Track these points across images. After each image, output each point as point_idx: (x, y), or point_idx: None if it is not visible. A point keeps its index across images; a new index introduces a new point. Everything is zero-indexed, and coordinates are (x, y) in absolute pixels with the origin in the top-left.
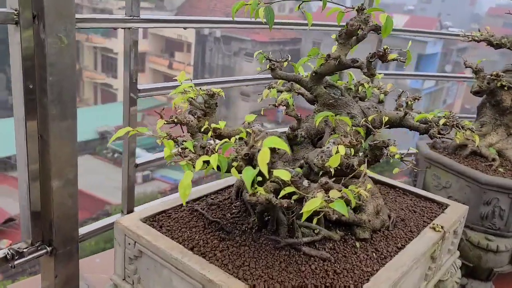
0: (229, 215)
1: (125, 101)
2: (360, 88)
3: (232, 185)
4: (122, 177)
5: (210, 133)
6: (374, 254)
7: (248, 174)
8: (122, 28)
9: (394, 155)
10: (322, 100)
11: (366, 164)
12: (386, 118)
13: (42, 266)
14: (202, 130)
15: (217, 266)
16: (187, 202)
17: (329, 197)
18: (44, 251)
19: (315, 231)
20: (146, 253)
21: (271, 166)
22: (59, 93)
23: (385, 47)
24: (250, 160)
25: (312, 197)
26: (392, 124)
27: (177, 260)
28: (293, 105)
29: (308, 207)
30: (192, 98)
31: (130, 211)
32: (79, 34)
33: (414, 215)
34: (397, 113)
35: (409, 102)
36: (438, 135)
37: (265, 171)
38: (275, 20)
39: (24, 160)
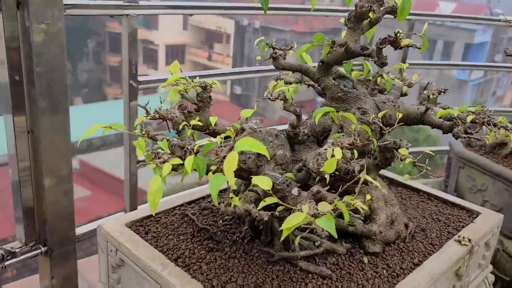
0: (221, 222)
1: (124, 94)
2: (379, 79)
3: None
4: (124, 174)
5: (189, 132)
6: (384, 271)
7: (215, 183)
8: (118, 15)
9: (405, 159)
10: (330, 93)
11: (374, 168)
12: (400, 115)
13: (39, 266)
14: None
15: (200, 281)
16: (180, 206)
17: (318, 210)
18: (39, 251)
19: (316, 243)
20: (128, 262)
21: (256, 170)
22: (49, 85)
23: (396, 31)
24: None
25: (299, 210)
26: (412, 120)
27: (156, 273)
28: (292, 99)
29: (289, 224)
30: (183, 90)
31: (133, 209)
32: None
33: (438, 225)
34: (418, 108)
35: (432, 96)
36: (464, 135)
37: (231, 180)
38: (274, 5)
39: (14, 156)
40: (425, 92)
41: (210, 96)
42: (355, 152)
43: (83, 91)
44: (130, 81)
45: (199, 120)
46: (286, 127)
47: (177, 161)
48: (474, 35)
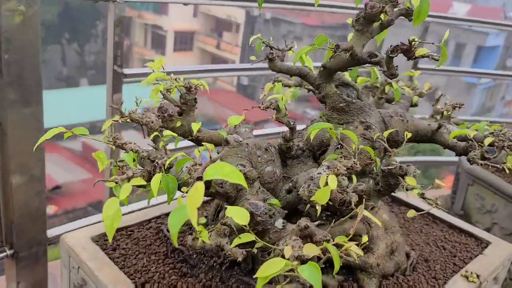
0: None
1: (108, 87)
2: (387, 87)
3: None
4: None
5: (161, 142)
6: None
7: (176, 219)
8: (105, 0)
9: (412, 189)
10: (331, 103)
11: (375, 194)
12: (409, 134)
13: (5, 270)
14: (179, 132)
15: None
16: (156, 217)
17: (301, 253)
18: (3, 254)
19: None
20: (89, 283)
21: (236, 195)
22: (19, 75)
23: (411, 38)
24: (208, 185)
25: (283, 247)
26: (422, 138)
27: None
28: (286, 109)
29: (265, 271)
30: (165, 90)
31: None
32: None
33: (443, 254)
34: (429, 124)
35: (446, 112)
36: (481, 161)
37: (193, 218)
38: None
39: None
40: (438, 106)
41: (195, 99)
42: (354, 177)
43: (90, 72)
44: (113, 73)
45: (181, 125)
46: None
47: (139, 181)
48: (486, 38)
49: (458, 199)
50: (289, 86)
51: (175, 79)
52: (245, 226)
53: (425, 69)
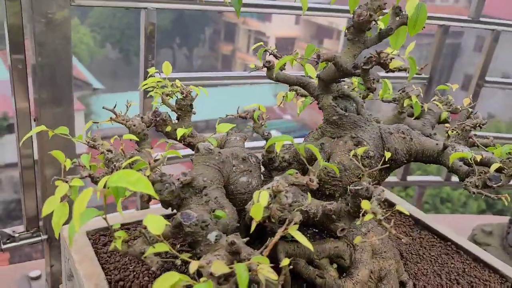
0: (178, 246)
1: (141, 91)
2: (406, 101)
3: None
4: None
5: (148, 148)
6: None
7: (56, 217)
8: (134, 8)
9: (365, 214)
10: (325, 115)
11: (346, 216)
12: (388, 154)
13: (44, 253)
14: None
15: None
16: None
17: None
18: (38, 238)
19: None
20: (74, 275)
21: (180, 203)
22: (51, 77)
23: (379, 50)
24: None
25: (203, 261)
26: (428, 158)
27: None
28: (264, 119)
29: (161, 284)
30: (165, 95)
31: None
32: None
33: None
34: (437, 143)
35: (450, 132)
36: (474, 189)
37: (76, 225)
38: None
39: (17, 141)
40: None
41: (191, 105)
42: (309, 194)
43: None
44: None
45: (175, 130)
46: None
47: (78, 182)
48: None
49: None
50: (305, 96)
51: (172, 85)
52: (159, 236)
53: (490, 81)
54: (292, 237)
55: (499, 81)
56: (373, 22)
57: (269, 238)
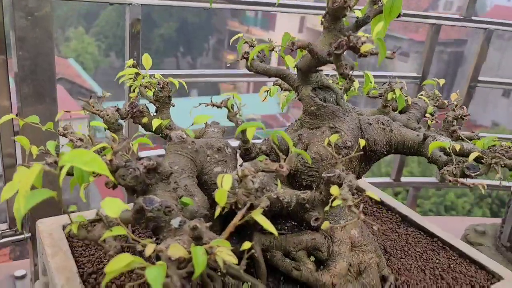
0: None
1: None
2: (390, 94)
3: None
4: None
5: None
6: None
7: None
8: (119, 3)
9: (333, 199)
10: (304, 106)
11: (320, 204)
12: (363, 142)
13: (29, 252)
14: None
15: None
16: None
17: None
18: (21, 236)
19: (245, 285)
20: (47, 269)
21: (145, 189)
22: (33, 71)
23: (349, 33)
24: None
25: (163, 246)
26: (409, 149)
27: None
28: (239, 108)
29: (112, 266)
30: (144, 87)
31: None
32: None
33: (437, 284)
34: (417, 134)
35: (430, 122)
36: (450, 177)
37: (22, 208)
38: None
39: None
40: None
41: (170, 97)
42: (279, 182)
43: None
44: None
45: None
46: None
47: (38, 167)
48: None
49: (506, 229)
50: (290, 91)
51: (149, 76)
52: (116, 218)
53: (483, 81)
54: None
55: (492, 80)
56: (349, 9)
57: (248, 232)
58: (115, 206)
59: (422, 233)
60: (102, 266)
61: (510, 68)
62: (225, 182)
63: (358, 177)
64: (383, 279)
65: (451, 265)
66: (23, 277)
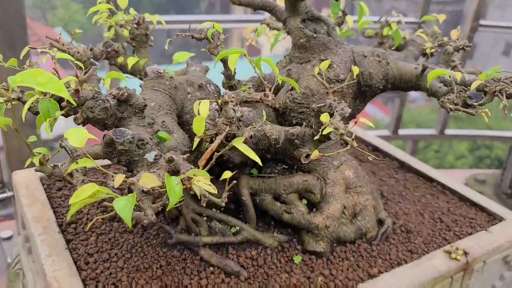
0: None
1: None
2: (385, 30)
3: None
4: None
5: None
6: (318, 279)
7: None
8: None
9: (324, 128)
10: (293, 39)
11: (310, 140)
12: (356, 69)
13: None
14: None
15: (74, 257)
16: None
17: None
18: (4, 195)
19: (233, 229)
20: (24, 220)
21: (117, 123)
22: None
23: None
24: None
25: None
26: (407, 83)
27: (33, 237)
28: (221, 38)
29: (76, 197)
30: (119, 25)
31: None
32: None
33: (435, 227)
34: (415, 67)
35: (429, 51)
36: (451, 106)
37: None
38: None
39: None
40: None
41: (147, 35)
42: (264, 112)
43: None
44: None
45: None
46: None
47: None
48: None
49: (507, 177)
50: (278, 30)
51: (124, 13)
52: (82, 149)
53: (485, 25)
54: (259, 172)
55: (493, 24)
56: None
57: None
58: (80, 135)
59: (420, 178)
60: (81, 216)
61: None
62: (202, 108)
63: (353, 116)
64: (380, 222)
65: (451, 209)
66: (9, 238)
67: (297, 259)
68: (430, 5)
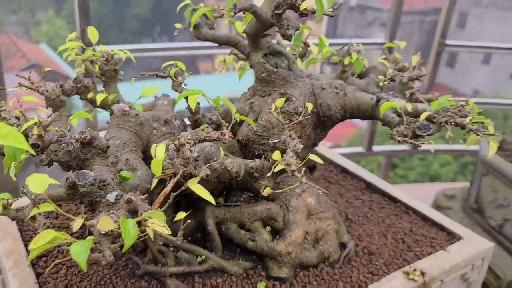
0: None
1: None
2: (346, 59)
3: None
4: None
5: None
6: None
7: None
8: None
9: (276, 165)
10: (255, 73)
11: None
12: (310, 106)
13: None
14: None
15: None
16: None
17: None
18: None
19: (199, 258)
20: None
21: (80, 164)
22: None
23: None
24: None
25: (95, 220)
26: (364, 113)
27: (4, 271)
28: (183, 76)
29: (36, 243)
30: (89, 61)
31: None
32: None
33: (397, 248)
34: (372, 97)
35: (381, 83)
36: (400, 138)
37: None
38: None
39: None
40: (403, 75)
41: (116, 70)
42: (221, 150)
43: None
44: None
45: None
46: None
47: None
48: None
49: (473, 191)
50: (245, 60)
51: (93, 49)
52: (43, 195)
53: (451, 45)
54: (226, 201)
55: (459, 44)
56: None
57: (202, 206)
58: (40, 182)
59: (385, 199)
60: (52, 249)
61: (489, 36)
62: (158, 151)
63: (315, 144)
64: (343, 245)
65: (413, 229)
66: None
67: (261, 285)
68: (411, 15)
